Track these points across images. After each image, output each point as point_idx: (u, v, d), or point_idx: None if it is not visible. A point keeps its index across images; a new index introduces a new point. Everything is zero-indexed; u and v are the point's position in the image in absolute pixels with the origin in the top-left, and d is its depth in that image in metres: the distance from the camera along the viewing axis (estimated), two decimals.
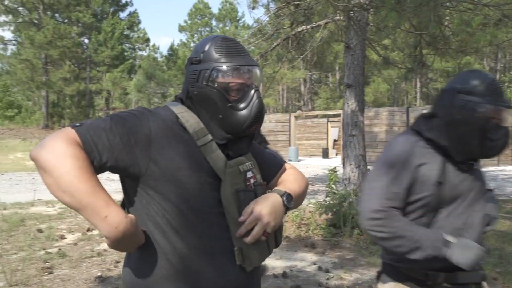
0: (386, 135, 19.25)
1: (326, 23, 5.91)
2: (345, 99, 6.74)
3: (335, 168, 7.06)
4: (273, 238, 1.38)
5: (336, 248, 5.55)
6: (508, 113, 1.59)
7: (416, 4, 3.74)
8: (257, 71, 1.35)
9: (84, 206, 1.08)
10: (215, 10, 68.48)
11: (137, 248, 1.23)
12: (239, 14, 53.80)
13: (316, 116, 29.58)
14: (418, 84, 43.66)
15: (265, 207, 1.28)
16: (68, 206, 1.11)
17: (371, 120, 19.61)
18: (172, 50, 45.12)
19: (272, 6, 8.17)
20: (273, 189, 1.40)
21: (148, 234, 1.23)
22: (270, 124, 24.89)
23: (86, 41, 40.27)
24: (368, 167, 7.39)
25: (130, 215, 1.17)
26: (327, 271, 4.63)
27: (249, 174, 1.35)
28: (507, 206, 8.73)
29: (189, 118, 1.30)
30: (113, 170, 1.19)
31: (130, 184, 1.26)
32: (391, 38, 7.03)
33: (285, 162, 1.59)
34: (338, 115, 26.30)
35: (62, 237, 5.99)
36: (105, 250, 5.37)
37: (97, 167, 1.15)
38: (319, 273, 4.57)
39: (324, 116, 28.52)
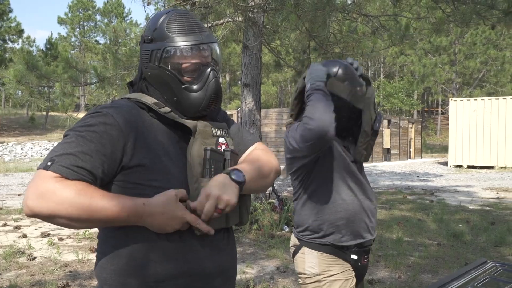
0: (276, 135, 20.09)
1: (226, 22, 5.99)
2: (242, 98, 6.89)
3: None
4: (236, 212, 1.30)
5: (237, 244, 5.65)
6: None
7: (313, 9, 4.01)
8: (214, 47, 1.28)
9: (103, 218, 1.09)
10: (99, 3, 64.71)
11: (109, 236, 1.22)
12: (126, 10, 51.66)
13: None
14: None
15: (213, 186, 1.19)
16: (97, 226, 1.16)
17: (261, 120, 20.31)
18: (51, 43, 41.43)
19: (167, 3, 8.02)
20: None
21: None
22: None
23: None
24: None
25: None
26: None
27: (222, 140, 1.30)
28: (382, 198, 9.76)
29: (147, 98, 1.26)
30: (107, 179, 1.17)
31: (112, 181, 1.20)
32: (285, 41, 7.37)
33: (258, 141, 1.51)
34: (230, 115, 26.71)
35: None
36: None
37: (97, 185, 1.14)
38: None
39: None
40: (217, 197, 1.17)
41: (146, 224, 1.12)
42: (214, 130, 1.28)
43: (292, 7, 3.99)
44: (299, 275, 2.03)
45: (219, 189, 1.18)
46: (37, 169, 1.10)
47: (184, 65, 1.22)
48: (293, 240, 2.08)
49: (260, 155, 1.42)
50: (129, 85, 1.35)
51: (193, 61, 1.23)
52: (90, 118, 1.16)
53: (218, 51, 1.29)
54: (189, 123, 1.24)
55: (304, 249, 1.99)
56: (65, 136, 1.16)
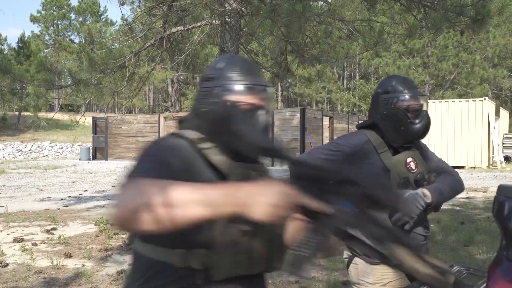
0: None
1: (203, 25, 6.00)
2: None
3: None
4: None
5: None
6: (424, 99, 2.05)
7: (288, 15, 4.09)
8: (270, 91, 1.40)
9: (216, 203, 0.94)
10: (74, 1, 63.45)
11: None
12: (101, 8, 50.90)
13: None
14: (280, 88, 46.63)
15: None
16: (202, 218, 0.94)
17: None
18: (23, 42, 40.44)
19: (143, 4, 7.98)
20: None
21: None
22: (138, 125, 24.06)
23: None
24: None
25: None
26: None
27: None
28: None
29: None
30: None
31: None
32: (262, 44, 7.43)
33: None
34: None
35: None
36: None
37: None
38: None
39: None
40: None
41: (245, 207, 0.94)
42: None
43: (267, 13, 4.06)
44: (354, 286, 2.07)
45: None
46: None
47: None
48: (346, 252, 2.12)
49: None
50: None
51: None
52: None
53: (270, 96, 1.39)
54: (219, 163, 1.25)
55: (356, 260, 2.02)
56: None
